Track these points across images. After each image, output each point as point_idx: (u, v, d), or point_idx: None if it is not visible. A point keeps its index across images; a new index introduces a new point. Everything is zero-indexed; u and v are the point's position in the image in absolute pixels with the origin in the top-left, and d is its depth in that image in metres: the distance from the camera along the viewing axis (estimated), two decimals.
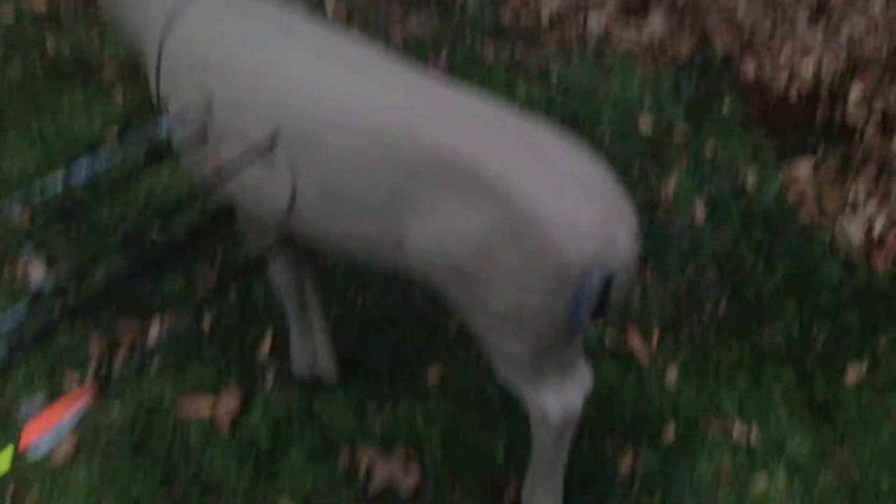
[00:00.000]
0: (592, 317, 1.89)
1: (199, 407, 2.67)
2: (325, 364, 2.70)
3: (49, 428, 1.72)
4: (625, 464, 2.54)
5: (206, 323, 2.93)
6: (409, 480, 2.48)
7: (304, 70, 2.04)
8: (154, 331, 2.91)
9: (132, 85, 4.07)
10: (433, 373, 2.80)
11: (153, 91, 2.33)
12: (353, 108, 1.97)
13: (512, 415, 2.64)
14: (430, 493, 2.47)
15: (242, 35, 2.12)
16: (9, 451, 1.81)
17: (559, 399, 2.07)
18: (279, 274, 2.53)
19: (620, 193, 1.92)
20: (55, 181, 1.86)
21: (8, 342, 1.85)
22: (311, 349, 2.69)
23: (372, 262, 2.14)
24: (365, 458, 2.54)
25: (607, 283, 1.85)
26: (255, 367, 2.79)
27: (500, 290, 1.90)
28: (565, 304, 1.87)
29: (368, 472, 2.51)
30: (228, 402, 2.68)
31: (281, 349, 2.81)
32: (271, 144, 2.04)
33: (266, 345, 2.86)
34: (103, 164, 1.92)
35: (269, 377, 2.76)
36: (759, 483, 2.52)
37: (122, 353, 2.83)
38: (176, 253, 2.39)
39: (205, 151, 2.18)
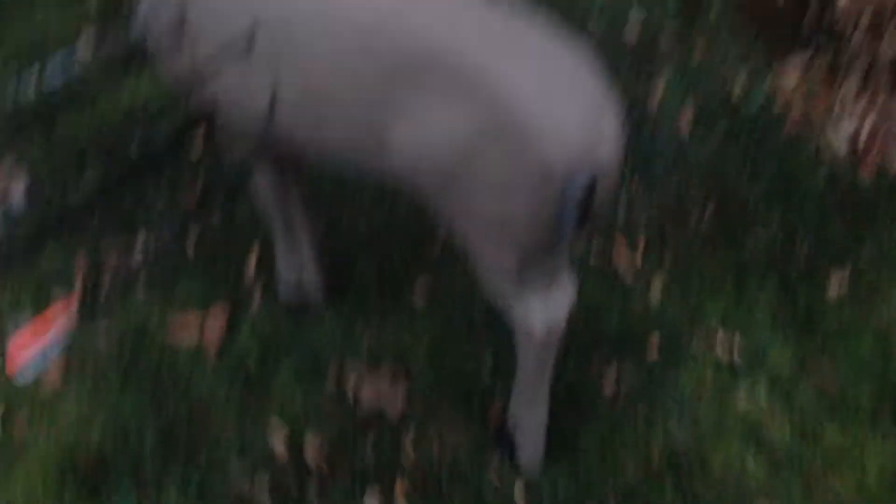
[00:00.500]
0: (577, 223, 1.87)
1: (186, 327, 2.68)
2: (313, 282, 2.70)
3: (35, 351, 1.71)
4: (609, 380, 2.58)
5: (192, 241, 2.91)
6: (396, 400, 2.52)
7: None
8: (139, 247, 2.89)
9: None
10: (419, 290, 2.80)
11: None
12: (333, 5, 1.92)
13: (497, 331, 2.66)
14: (417, 410, 2.51)
15: None
16: None
17: (544, 311, 2.07)
18: (263, 190, 2.49)
19: (606, 92, 1.88)
20: (28, 83, 1.80)
21: None
22: (298, 267, 2.68)
23: (355, 169, 2.11)
24: (353, 377, 2.56)
25: (592, 186, 1.82)
26: (241, 286, 2.79)
27: (484, 194, 1.87)
28: (550, 208, 1.85)
29: (357, 393, 2.54)
30: (216, 322, 2.69)
31: (268, 267, 2.80)
32: (249, 41, 1.98)
33: (252, 263, 2.85)
34: (77, 65, 1.87)
35: (256, 296, 2.76)
36: (741, 396, 2.57)
37: (107, 271, 2.82)
38: (156, 160, 2.34)
39: (180, 50, 2.12)
